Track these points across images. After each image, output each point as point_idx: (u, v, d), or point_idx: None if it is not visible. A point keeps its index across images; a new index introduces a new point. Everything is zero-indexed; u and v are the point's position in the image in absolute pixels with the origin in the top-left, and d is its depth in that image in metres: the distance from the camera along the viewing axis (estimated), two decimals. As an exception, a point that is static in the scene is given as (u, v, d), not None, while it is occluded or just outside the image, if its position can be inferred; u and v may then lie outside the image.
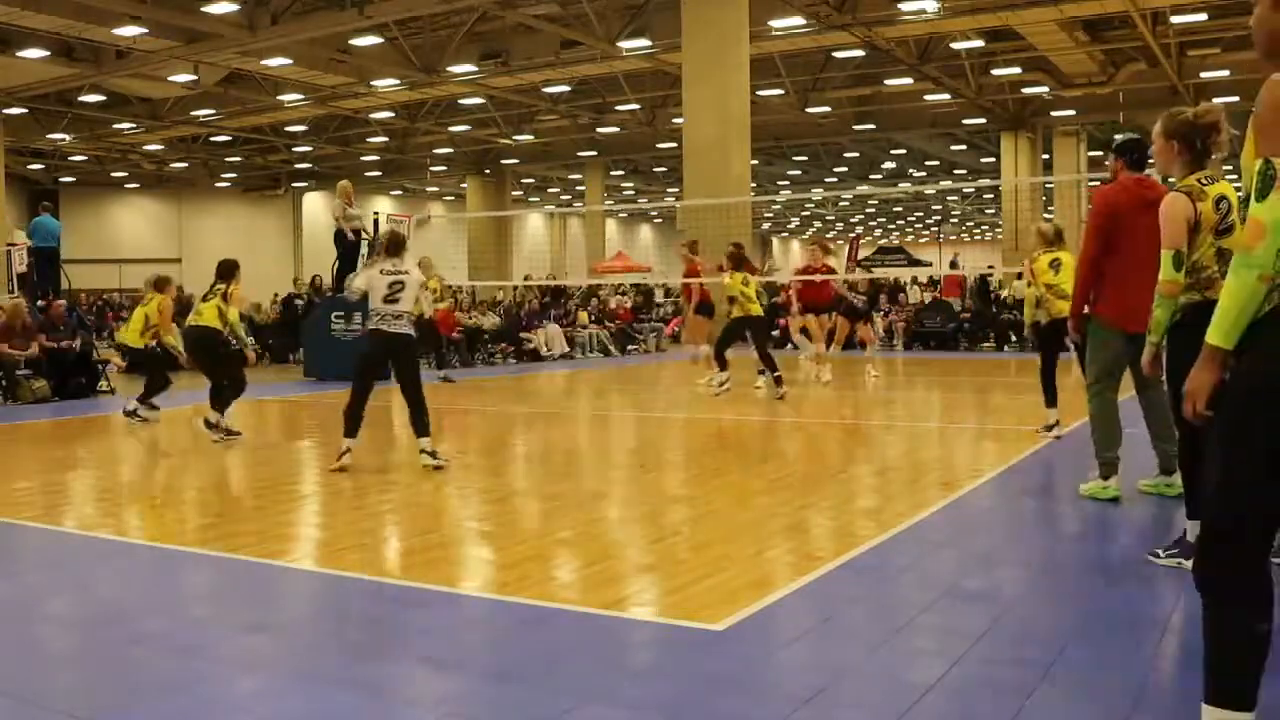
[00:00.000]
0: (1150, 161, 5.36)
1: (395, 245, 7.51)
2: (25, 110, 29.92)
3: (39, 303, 14.75)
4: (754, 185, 31.74)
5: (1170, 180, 4.63)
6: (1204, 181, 4.31)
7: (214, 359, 9.26)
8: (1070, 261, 7.75)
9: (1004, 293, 23.79)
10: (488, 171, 42.48)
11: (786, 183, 48.55)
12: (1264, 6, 2.47)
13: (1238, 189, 4.53)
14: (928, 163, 44.75)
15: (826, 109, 31.06)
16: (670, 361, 14.98)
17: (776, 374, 11.73)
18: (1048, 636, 3.58)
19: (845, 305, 14.21)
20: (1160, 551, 4.48)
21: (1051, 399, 8.16)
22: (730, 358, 11.92)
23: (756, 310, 11.87)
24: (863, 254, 23.56)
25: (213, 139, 36.18)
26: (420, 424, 7.36)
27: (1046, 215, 37.22)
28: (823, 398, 12.53)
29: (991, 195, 47.80)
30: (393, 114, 32.89)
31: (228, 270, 9.32)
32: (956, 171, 45.76)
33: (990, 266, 32.65)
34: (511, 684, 3.26)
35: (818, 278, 13.48)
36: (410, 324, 7.42)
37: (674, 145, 30.26)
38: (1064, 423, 8.31)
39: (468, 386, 14.40)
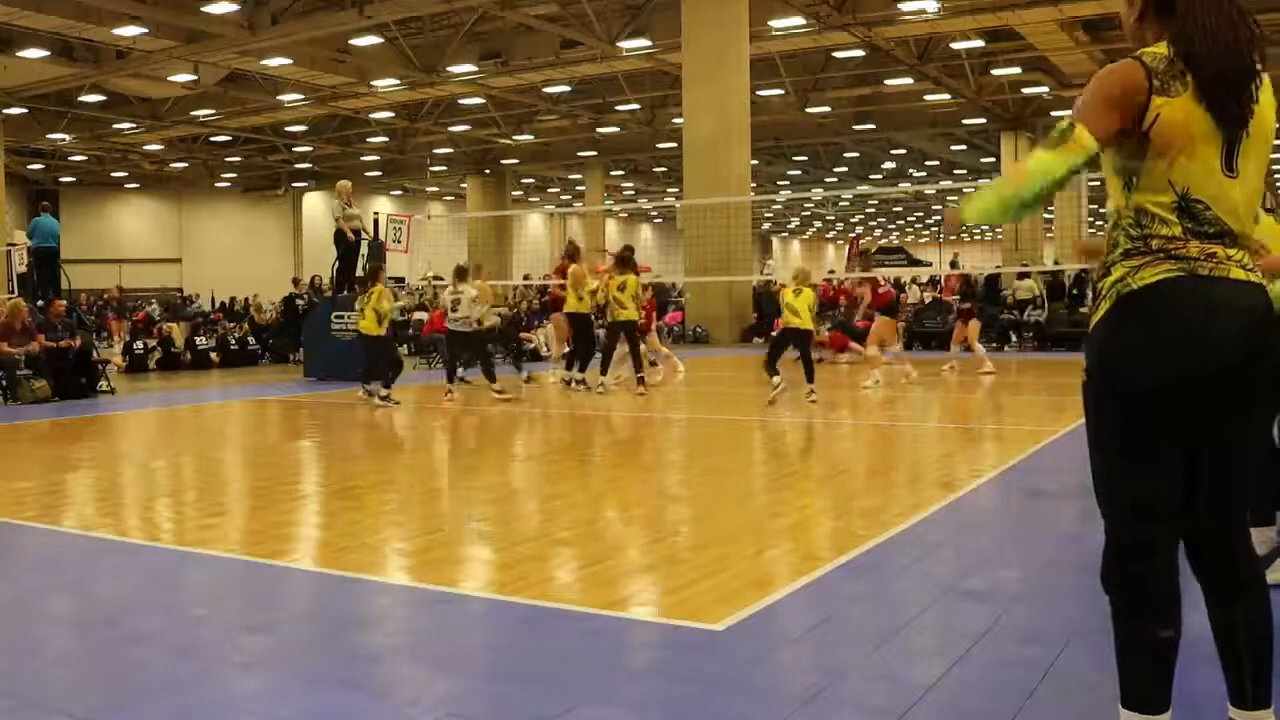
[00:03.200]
0: None
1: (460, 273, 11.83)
2: (25, 110, 29.94)
3: (38, 303, 14.75)
4: (754, 185, 31.76)
5: None
6: None
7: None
8: (811, 294, 11.32)
9: (1004, 292, 23.79)
10: (488, 171, 42.49)
11: (786, 183, 48.57)
12: (1123, 10, 2.47)
13: None
14: (928, 163, 44.78)
15: (826, 109, 31.08)
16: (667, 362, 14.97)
17: (640, 374, 12.47)
18: (1048, 636, 3.57)
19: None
20: None
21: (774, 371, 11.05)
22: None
23: (630, 315, 12.53)
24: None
25: (213, 139, 36.21)
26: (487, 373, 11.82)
27: (1047, 215, 37.24)
28: (824, 399, 12.54)
29: (991, 195, 47.71)
30: (393, 114, 32.91)
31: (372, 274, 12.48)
32: (956, 171, 45.76)
33: (998, 266, 32.62)
34: (511, 684, 3.26)
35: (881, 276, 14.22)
36: (468, 325, 11.67)
37: (674, 145, 30.29)
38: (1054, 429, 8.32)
39: (467, 386, 14.40)
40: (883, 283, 14.27)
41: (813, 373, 11.49)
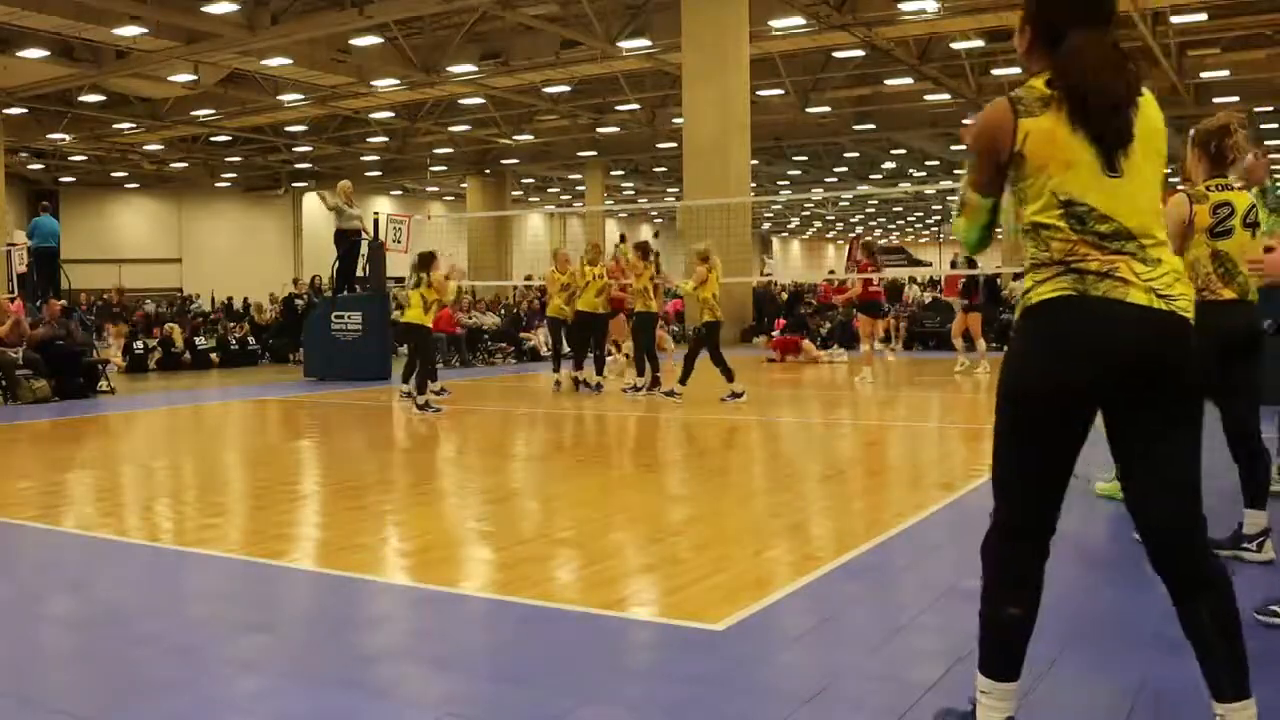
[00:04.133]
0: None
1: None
2: (25, 110, 29.91)
3: (37, 303, 14.75)
4: (754, 185, 31.76)
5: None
6: (1212, 188, 4.49)
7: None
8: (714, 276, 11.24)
9: (1004, 292, 23.78)
10: (488, 171, 42.46)
11: (786, 183, 48.55)
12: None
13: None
14: (928, 163, 44.74)
15: (826, 109, 31.06)
16: (664, 362, 14.95)
17: (656, 374, 12.15)
18: (1048, 636, 3.54)
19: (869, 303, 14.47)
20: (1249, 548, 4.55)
21: (731, 375, 11.14)
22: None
23: (655, 308, 12.32)
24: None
25: (213, 139, 36.18)
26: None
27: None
28: (824, 398, 12.55)
29: (991, 195, 47.70)
30: (393, 114, 32.89)
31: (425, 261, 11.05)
32: (957, 172, 45.59)
33: (999, 266, 32.55)
34: (511, 684, 3.26)
35: (876, 278, 14.37)
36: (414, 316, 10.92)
37: (674, 145, 30.26)
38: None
39: (468, 386, 14.40)
40: (875, 282, 14.30)
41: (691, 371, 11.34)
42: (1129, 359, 2.40)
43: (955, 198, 2.71)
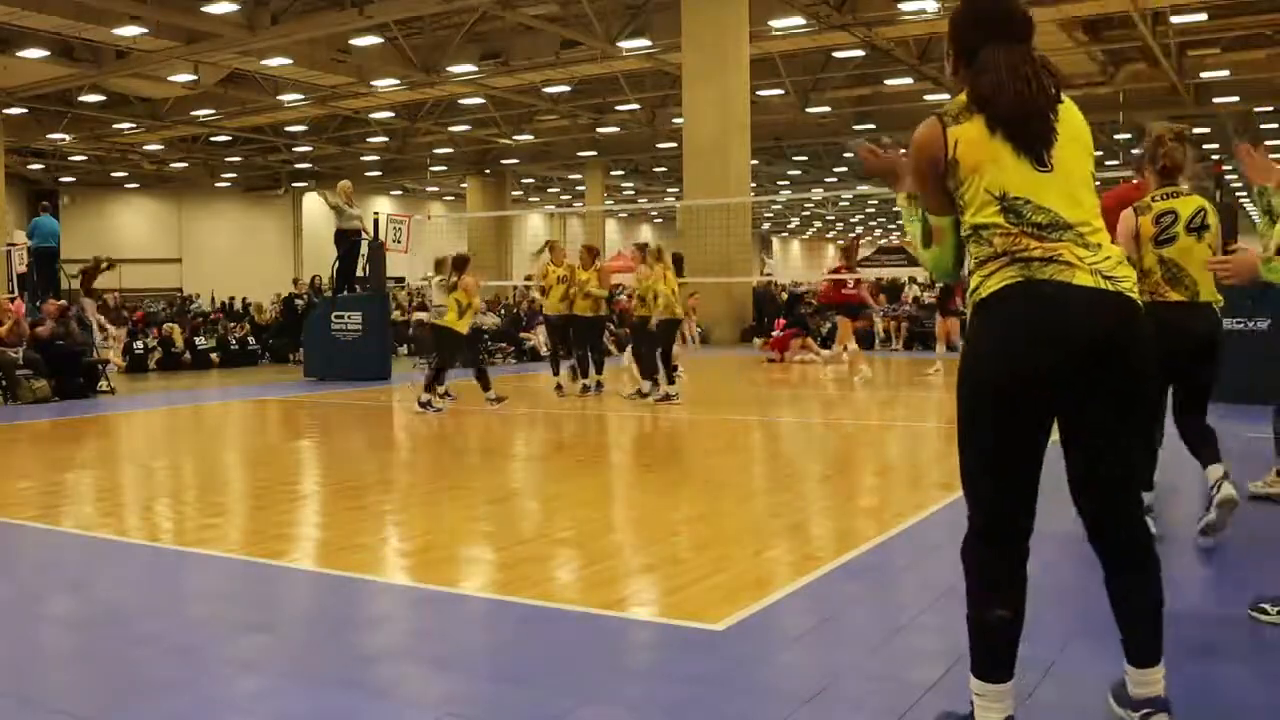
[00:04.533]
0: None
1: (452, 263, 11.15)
2: (25, 110, 29.91)
3: (36, 303, 14.75)
4: (754, 185, 31.74)
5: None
6: (1158, 198, 4.71)
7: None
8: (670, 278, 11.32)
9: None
10: (488, 171, 42.45)
11: (786, 183, 48.55)
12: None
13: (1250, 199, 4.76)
14: (928, 162, 44.71)
15: (826, 109, 31.06)
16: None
17: (656, 375, 11.69)
18: (1048, 636, 3.56)
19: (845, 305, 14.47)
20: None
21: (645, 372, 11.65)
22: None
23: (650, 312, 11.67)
24: (862, 254, 23.60)
25: (213, 139, 36.18)
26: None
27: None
28: (824, 398, 12.55)
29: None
30: (393, 114, 32.88)
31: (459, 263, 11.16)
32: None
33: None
34: (511, 684, 3.26)
35: (850, 279, 14.30)
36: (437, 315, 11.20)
37: (674, 145, 30.27)
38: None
39: (469, 386, 14.40)
40: (851, 284, 14.32)
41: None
42: (1082, 342, 2.45)
43: (909, 239, 2.81)
